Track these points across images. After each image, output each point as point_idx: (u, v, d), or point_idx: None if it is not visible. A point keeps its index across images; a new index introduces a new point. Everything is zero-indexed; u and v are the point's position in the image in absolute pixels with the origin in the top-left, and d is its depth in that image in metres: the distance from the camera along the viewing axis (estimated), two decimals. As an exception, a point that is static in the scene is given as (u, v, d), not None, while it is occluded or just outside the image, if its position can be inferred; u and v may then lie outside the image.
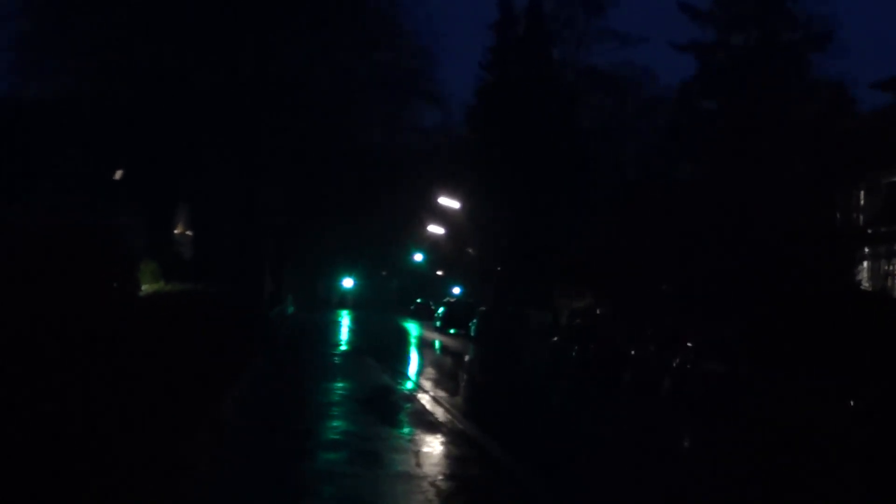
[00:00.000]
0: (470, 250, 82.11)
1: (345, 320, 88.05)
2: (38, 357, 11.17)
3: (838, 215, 41.47)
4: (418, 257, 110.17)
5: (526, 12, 75.46)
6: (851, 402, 21.46)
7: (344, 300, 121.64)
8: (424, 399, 28.28)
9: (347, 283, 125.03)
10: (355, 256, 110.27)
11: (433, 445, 20.28)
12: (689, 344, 30.14)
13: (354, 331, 72.12)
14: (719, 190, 41.37)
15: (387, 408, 26.50)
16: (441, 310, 75.29)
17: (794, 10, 60.73)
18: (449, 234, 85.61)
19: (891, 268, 40.46)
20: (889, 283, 39.89)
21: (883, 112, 43.90)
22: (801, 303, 28.18)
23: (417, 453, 19.12)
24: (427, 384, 33.06)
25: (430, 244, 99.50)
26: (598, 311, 49.44)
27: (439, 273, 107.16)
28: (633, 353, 34.24)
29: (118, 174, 44.24)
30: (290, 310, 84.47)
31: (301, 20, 45.98)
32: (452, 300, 79.95)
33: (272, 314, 61.11)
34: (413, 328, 77.88)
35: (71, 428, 11.55)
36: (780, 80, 51.75)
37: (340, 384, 32.72)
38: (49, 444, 11.07)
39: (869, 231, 41.24)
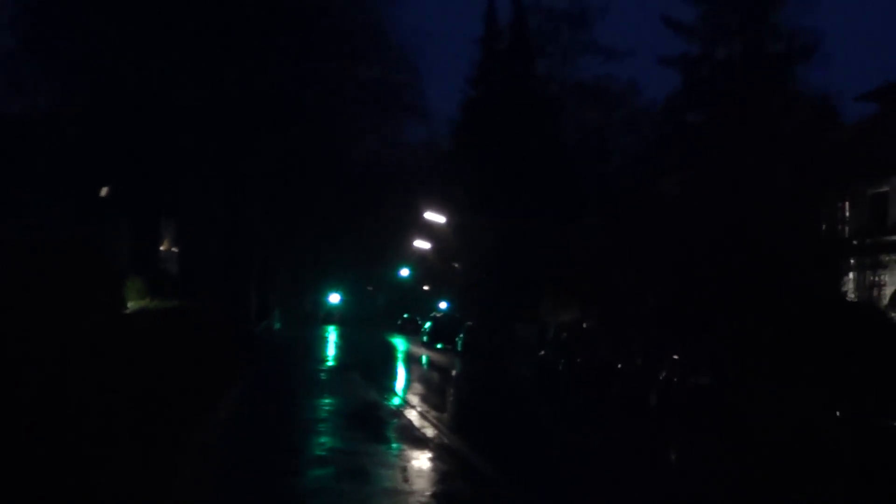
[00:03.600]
0: (456, 265, 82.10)
1: (331, 335, 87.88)
2: (21, 374, 11.11)
3: (824, 227, 41.55)
4: (405, 272, 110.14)
5: (510, 27, 75.72)
6: (838, 413, 21.46)
7: (330, 315, 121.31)
8: (411, 414, 28.23)
9: (334, 298, 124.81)
10: (342, 271, 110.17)
11: (420, 461, 20.25)
12: (675, 357, 30.12)
13: (341, 346, 71.98)
14: (705, 202, 41.44)
15: (374, 423, 26.45)
16: (428, 324, 75.19)
17: (778, 22, 60.90)
18: (435, 249, 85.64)
19: (877, 279, 40.54)
20: (875, 293, 39.95)
21: (867, 123, 44.04)
22: (788, 314, 28.19)
23: (405, 469, 19.08)
24: (414, 399, 33.01)
25: (417, 259, 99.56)
26: (584, 325, 49.40)
27: (426, 288, 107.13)
28: (619, 366, 34.22)
29: (104, 191, 44.09)
30: (277, 325, 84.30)
31: (287, 35, 45.98)
32: (439, 315, 79.84)
33: (259, 330, 60.96)
34: (400, 343, 77.77)
35: (55, 446, 11.49)
36: (764, 93, 51.87)
37: (327, 400, 32.68)
38: (32, 462, 11.00)
39: (854, 242, 41.32)
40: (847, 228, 42.45)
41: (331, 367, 50.09)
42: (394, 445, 22.57)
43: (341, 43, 48.18)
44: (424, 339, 73.50)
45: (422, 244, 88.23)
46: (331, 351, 67.22)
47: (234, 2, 42.90)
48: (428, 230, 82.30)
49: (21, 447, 10.78)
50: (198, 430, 21.01)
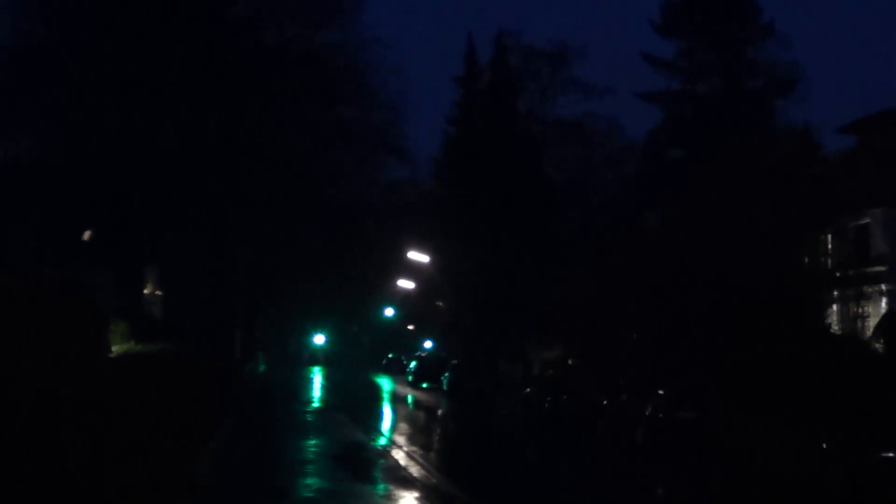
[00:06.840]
0: (440, 304, 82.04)
1: (316, 377, 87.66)
2: (3, 419, 11.07)
3: (806, 259, 41.60)
4: (389, 312, 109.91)
5: (491, 66, 75.93)
6: (824, 445, 21.47)
7: (315, 356, 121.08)
8: (398, 454, 28.16)
9: (319, 339, 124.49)
10: (326, 312, 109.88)
11: (408, 500, 20.19)
12: (660, 392, 30.10)
13: (326, 387, 71.82)
14: (687, 238, 41.47)
15: (361, 464, 26.37)
16: (413, 364, 75.03)
17: (758, 57, 61.37)
18: (419, 288, 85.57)
19: (860, 310, 40.59)
20: (859, 325, 40.00)
21: (848, 156, 44.21)
22: (772, 348, 28.21)
23: (392, 509, 19.04)
24: (400, 439, 32.92)
25: (401, 299, 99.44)
26: (569, 362, 49.36)
27: (410, 327, 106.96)
28: (605, 403, 34.18)
29: (87, 235, 44.12)
30: (262, 367, 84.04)
31: (268, 78, 46.10)
32: (424, 354, 79.71)
33: (244, 372, 60.76)
34: (385, 383, 77.60)
35: (39, 493, 11.43)
36: (745, 127, 52.06)
37: (313, 441, 32.54)
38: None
39: (837, 274, 41.37)
40: (830, 261, 42.52)
41: (316, 409, 49.94)
42: (381, 486, 22.48)
43: (322, 85, 48.32)
44: (410, 378, 73.34)
45: (406, 284, 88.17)
46: (316, 392, 67.07)
47: (214, 47, 43.04)
48: (412, 269, 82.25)
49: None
50: (184, 473, 20.91)
